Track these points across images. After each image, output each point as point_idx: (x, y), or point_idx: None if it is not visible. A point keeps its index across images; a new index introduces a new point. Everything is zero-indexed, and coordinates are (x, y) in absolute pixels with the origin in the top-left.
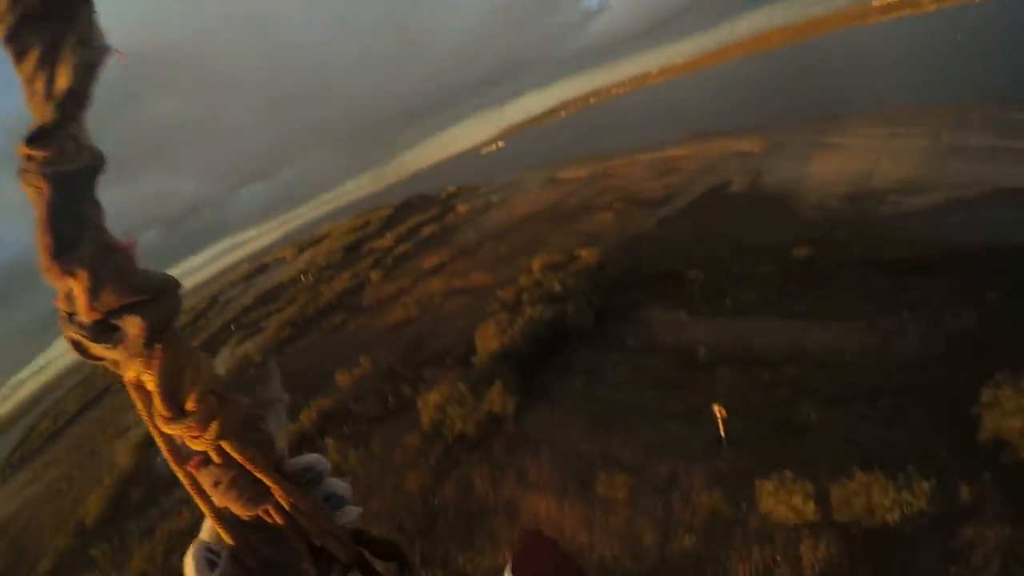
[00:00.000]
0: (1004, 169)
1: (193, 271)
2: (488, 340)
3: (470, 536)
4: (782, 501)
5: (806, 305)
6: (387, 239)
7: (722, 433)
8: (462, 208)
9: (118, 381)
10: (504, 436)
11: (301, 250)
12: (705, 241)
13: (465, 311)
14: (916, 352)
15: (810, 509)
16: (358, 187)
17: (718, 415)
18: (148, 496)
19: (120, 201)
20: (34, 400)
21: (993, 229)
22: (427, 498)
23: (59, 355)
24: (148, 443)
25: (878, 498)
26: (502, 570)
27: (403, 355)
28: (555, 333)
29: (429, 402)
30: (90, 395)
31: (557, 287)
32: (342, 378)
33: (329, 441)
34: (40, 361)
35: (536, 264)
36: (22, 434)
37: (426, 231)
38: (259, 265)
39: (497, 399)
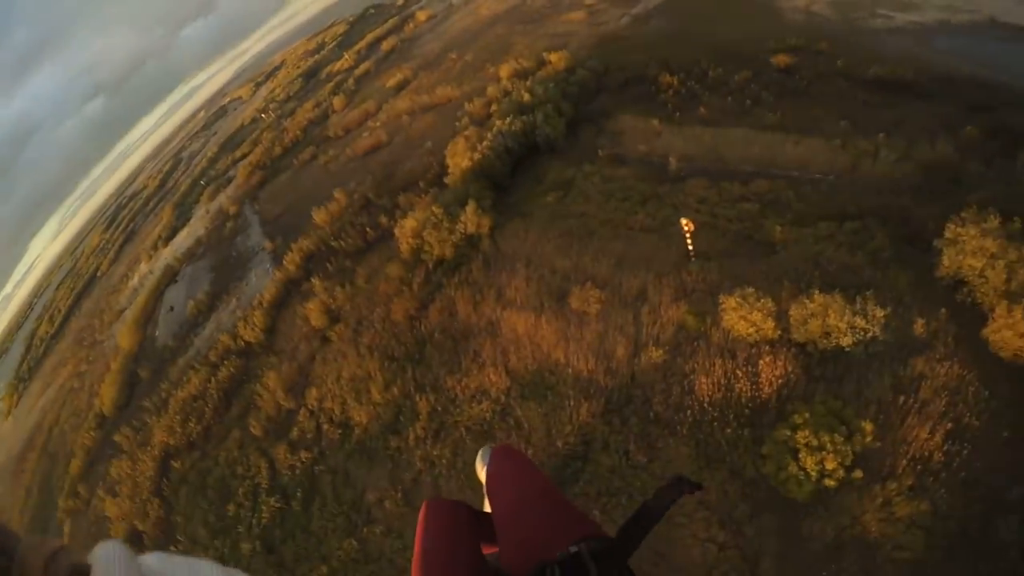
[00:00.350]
0: (1003, 2)
1: (151, 131)
2: (459, 158)
3: (457, 358)
4: (743, 317)
5: (781, 117)
6: (346, 59)
7: (690, 247)
8: (422, 15)
9: (99, 262)
10: (481, 256)
11: (258, 85)
12: (680, 43)
13: (434, 129)
14: (887, 177)
15: (769, 327)
16: (306, 5)
17: (686, 229)
18: (156, 371)
19: (58, 77)
20: (26, 308)
21: (982, 61)
22: (413, 325)
23: (39, 254)
24: (146, 319)
25: (834, 320)
26: (488, 390)
27: (376, 183)
28: (526, 146)
29: (406, 229)
30: (79, 285)
31: (526, 96)
32: (319, 216)
33: (315, 281)
34: (21, 269)
35: (504, 72)
36: (24, 344)
37: (386, 45)
38: (217, 110)
39: (472, 219)
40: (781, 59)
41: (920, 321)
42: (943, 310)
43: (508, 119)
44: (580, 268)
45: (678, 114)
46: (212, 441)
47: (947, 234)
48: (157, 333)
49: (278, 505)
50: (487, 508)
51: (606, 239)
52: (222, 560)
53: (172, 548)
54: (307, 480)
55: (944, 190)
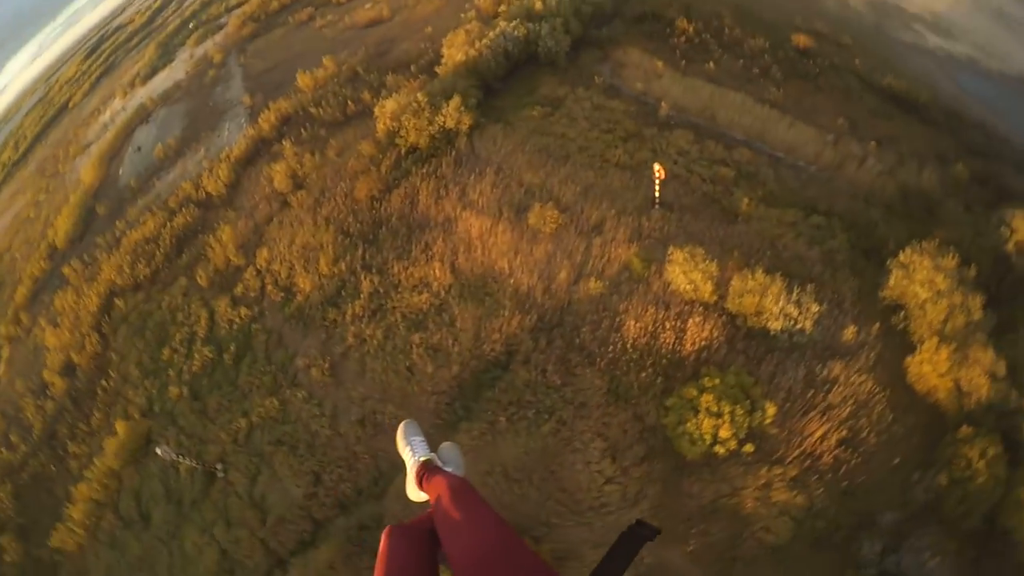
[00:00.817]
0: None
1: None
2: (455, 50)
3: (408, 246)
4: (686, 273)
5: (783, 96)
6: None
7: (656, 194)
8: None
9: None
10: (454, 153)
11: None
12: None
13: (438, 16)
14: (866, 186)
15: (708, 290)
16: None
17: (657, 175)
18: (114, 209)
19: None
20: None
21: (997, 111)
22: (373, 206)
23: (11, 80)
24: (111, 155)
25: (770, 302)
26: (431, 283)
27: (368, 58)
28: (525, 54)
29: (386, 110)
30: (49, 114)
31: (538, 4)
32: (304, 80)
33: (286, 144)
34: None
35: None
36: None
37: None
38: None
39: (453, 114)
40: (802, 39)
41: (851, 328)
42: (876, 326)
43: (514, 22)
44: (547, 187)
45: (684, 62)
46: (158, 285)
47: (902, 257)
48: (121, 172)
49: (211, 356)
50: (415, 493)
51: (579, 165)
52: (148, 401)
53: (103, 383)
54: (243, 336)
55: (915, 216)
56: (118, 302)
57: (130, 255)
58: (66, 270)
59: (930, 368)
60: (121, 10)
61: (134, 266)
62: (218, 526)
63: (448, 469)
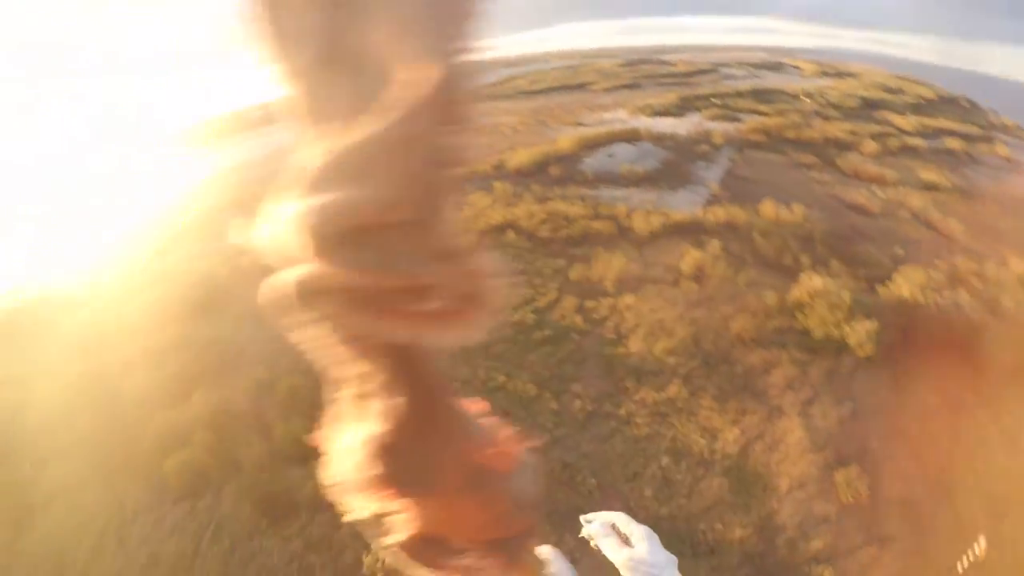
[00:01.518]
0: None
1: (708, 30)
2: (909, 285)
3: (729, 398)
4: None
5: None
6: (909, 121)
7: (967, 559)
8: None
9: (596, 80)
10: (832, 365)
11: (824, 74)
12: None
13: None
14: None
15: None
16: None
17: (977, 551)
18: (561, 178)
19: None
20: (518, 62)
21: None
22: (735, 344)
23: (557, 41)
24: (590, 144)
25: None
26: (717, 440)
27: (832, 233)
28: None
29: (811, 283)
30: (568, 81)
31: None
32: (766, 209)
33: (715, 243)
34: (543, 35)
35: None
36: (499, 79)
37: (952, 144)
38: (774, 63)
39: (861, 334)
40: None
41: None
42: None
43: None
44: (877, 463)
45: None
46: (543, 249)
47: None
48: (586, 160)
49: (528, 322)
50: None
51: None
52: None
53: None
54: (559, 333)
55: None
56: (510, 234)
57: (545, 214)
58: (497, 184)
59: None
60: (664, 51)
61: (541, 223)
62: None
63: None
